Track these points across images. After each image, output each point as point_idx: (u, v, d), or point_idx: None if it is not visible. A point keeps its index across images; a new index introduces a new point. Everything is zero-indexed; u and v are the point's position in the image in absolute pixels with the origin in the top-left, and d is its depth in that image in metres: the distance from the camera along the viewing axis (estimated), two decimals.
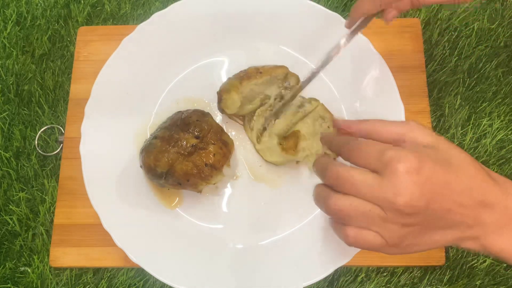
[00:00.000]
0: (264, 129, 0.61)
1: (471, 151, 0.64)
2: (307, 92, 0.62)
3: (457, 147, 0.44)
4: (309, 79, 0.59)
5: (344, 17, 0.64)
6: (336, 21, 0.64)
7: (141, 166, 0.58)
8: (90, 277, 0.60)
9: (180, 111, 0.60)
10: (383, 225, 0.41)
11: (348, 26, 0.56)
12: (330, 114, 0.61)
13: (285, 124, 0.60)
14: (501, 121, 0.65)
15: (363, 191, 0.41)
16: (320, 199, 0.44)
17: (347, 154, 0.45)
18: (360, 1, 0.53)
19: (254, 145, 0.62)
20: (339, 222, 0.43)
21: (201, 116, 0.59)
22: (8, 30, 0.72)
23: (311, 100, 0.61)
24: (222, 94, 0.61)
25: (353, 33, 0.56)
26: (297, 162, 0.61)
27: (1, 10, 0.73)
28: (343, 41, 0.56)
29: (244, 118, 0.63)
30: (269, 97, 0.62)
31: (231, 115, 0.63)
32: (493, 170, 0.63)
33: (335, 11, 0.65)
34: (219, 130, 0.58)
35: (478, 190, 0.41)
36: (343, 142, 0.46)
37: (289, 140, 0.58)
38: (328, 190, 0.44)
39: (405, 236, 0.41)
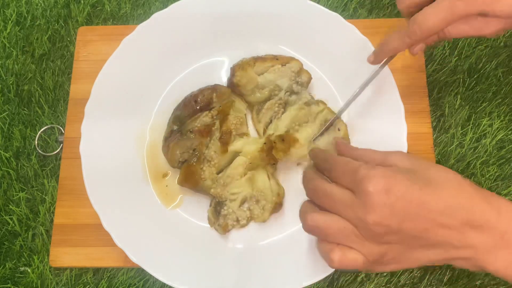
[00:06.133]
0: (271, 122, 0.61)
1: (471, 151, 0.64)
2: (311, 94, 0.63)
3: (439, 166, 0.44)
4: (342, 110, 0.60)
5: (344, 17, 0.64)
6: (336, 21, 0.64)
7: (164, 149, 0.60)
8: (90, 277, 0.60)
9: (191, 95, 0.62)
10: (360, 242, 0.42)
11: (373, 62, 0.55)
12: (341, 122, 0.61)
13: (290, 119, 0.60)
14: (501, 121, 0.65)
15: (338, 208, 0.42)
16: (301, 215, 0.46)
17: (327, 172, 0.47)
18: (388, 38, 0.52)
19: (259, 137, 0.62)
20: (320, 240, 0.44)
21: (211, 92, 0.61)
22: (8, 30, 0.72)
23: (319, 102, 0.61)
24: (235, 70, 0.61)
25: (380, 68, 0.55)
26: (298, 164, 0.61)
27: (1, 10, 0.73)
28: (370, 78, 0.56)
29: (253, 109, 0.63)
30: (279, 89, 0.62)
31: (239, 94, 0.63)
32: (493, 170, 0.63)
33: (335, 11, 0.65)
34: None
35: (463, 210, 0.40)
36: (323, 160, 0.48)
37: (285, 142, 0.58)
38: (309, 207, 0.45)
39: (384, 253, 0.42)
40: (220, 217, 0.58)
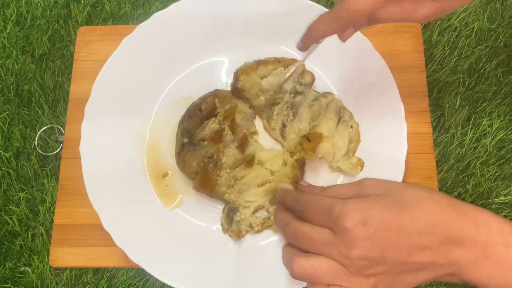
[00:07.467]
0: (284, 126, 0.61)
1: (471, 151, 0.64)
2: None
3: (412, 186, 0.43)
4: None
5: None
6: None
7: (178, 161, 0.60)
8: (90, 277, 0.60)
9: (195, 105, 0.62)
10: (350, 280, 0.41)
11: (302, 49, 0.51)
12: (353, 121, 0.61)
13: (306, 119, 0.59)
14: (501, 121, 0.65)
15: (321, 249, 0.42)
16: (286, 263, 0.45)
17: (299, 213, 0.46)
18: (315, 23, 0.48)
19: (282, 144, 0.61)
20: (310, 284, 0.43)
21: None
22: (8, 30, 0.72)
23: (326, 93, 0.61)
24: (239, 75, 0.61)
25: (307, 56, 0.53)
26: (321, 158, 0.61)
27: (1, 10, 0.73)
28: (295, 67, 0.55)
29: (259, 113, 0.63)
30: (284, 91, 0.61)
31: (243, 99, 0.62)
32: (493, 170, 0.63)
33: None
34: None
35: (441, 227, 0.40)
36: (294, 201, 0.48)
37: (312, 142, 0.57)
38: (292, 252, 0.44)
39: (374, 285, 0.41)
40: (233, 223, 0.58)
